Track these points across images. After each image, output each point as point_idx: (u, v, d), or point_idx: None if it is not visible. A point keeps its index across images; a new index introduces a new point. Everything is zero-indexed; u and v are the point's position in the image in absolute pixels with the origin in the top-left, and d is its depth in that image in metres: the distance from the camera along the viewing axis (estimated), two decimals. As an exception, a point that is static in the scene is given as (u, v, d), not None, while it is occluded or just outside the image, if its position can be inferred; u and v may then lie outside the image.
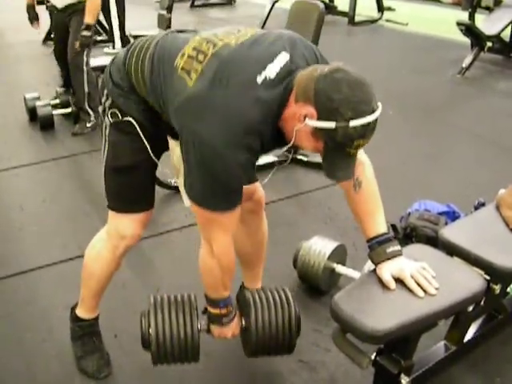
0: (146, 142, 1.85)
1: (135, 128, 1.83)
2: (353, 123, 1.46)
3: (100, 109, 1.94)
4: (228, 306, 1.95)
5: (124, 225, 1.99)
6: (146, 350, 2.01)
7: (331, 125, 1.47)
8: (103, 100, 1.90)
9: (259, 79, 1.56)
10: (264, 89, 1.56)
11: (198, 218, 1.75)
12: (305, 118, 1.52)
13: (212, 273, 1.85)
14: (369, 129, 1.50)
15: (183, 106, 1.61)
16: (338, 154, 1.55)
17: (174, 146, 1.89)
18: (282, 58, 1.60)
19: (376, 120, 1.51)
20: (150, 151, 1.87)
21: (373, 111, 1.50)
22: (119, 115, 1.85)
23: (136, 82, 1.81)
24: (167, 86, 1.69)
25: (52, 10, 4.78)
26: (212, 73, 1.57)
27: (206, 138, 1.55)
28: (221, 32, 1.71)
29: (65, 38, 4.76)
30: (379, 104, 1.53)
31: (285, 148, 1.73)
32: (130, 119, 1.83)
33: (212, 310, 1.97)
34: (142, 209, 2.00)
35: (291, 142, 1.63)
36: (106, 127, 1.92)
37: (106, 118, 1.89)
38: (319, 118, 1.49)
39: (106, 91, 1.89)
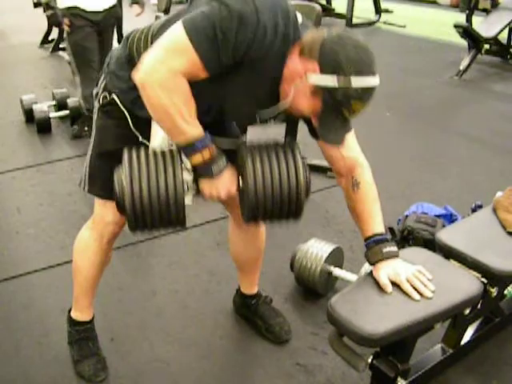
0: (127, 115, 1.82)
1: (119, 111, 1.82)
2: (354, 81, 1.50)
3: (94, 91, 1.94)
4: (207, 145, 1.64)
5: (108, 211, 1.97)
6: (122, 213, 1.70)
7: (333, 80, 1.50)
8: (100, 82, 1.91)
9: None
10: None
11: (160, 42, 1.59)
12: (306, 73, 1.55)
13: (162, 104, 1.56)
14: (367, 92, 1.54)
15: None
16: (334, 114, 1.58)
17: (157, 129, 1.79)
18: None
19: (374, 88, 1.55)
20: (132, 126, 1.84)
21: (373, 74, 1.54)
22: (107, 96, 1.85)
23: (137, 43, 1.79)
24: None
25: (86, 19, 4.26)
26: None
27: None
28: None
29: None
30: (377, 75, 1.57)
31: (281, 106, 1.69)
32: (114, 97, 1.83)
33: (193, 159, 1.66)
34: None
35: (288, 100, 1.63)
36: (95, 112, 1.93)
37: (96, 101, 1.90)
38: (322, 73, 1.52)
39: (103, 73, 1.91)
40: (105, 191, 1.93)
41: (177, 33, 1.55)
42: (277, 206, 1.67)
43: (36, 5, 7.61)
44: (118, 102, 1.82)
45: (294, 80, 1.60)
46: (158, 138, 1.79)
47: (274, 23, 1.55)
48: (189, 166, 1.73)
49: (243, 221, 1.80)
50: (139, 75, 1.57)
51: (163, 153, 1.68)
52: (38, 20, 7.85)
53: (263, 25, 1.52)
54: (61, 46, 7.49)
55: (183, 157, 1.69)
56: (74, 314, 2.25)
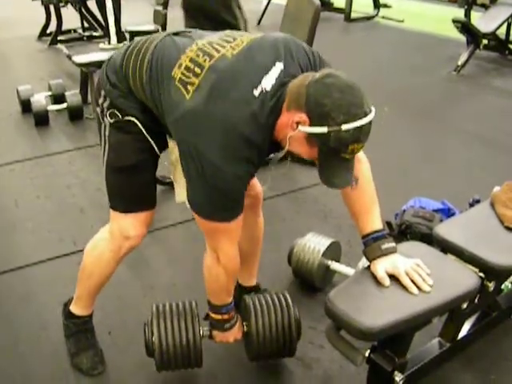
0: (149, 138, 1.86)
1: (137, 126, 1.83)
2: (345, 127, 1.47)
3: (98, 110, 1.92)
4: (230, 311, 2.00)
5: (127, 225, 1.98)
6: (151, 357, 2.06)
7: (323, 130, 1.48)
8: (100, 101, 1.89)
9: (256, 92, 1.57)
10: (260, 102, 1.57)
11: (201, 228, 1.77)
12: (297, 124, 1.53)
13: (218, 280, 1.88)
14: (362, 132, 1.50)
15: (181, 120, 1.62)
16: (333, 159, 1.56)
17: (173, 145, 1.88)
18: (277, 70, 1.62)
19: (370, 123, 1.52)
20: (154, 145, 1.88)
21: (365, 114, 1.50)
22: (119, 115, 1.84)
23: (134, 87, 1.81)
24: (165, 95, 1.69)
25: None
26: (209, 87, 1.59)
27: (205, 153, 1.57)
28: (216, 40, 1.72)
29: None
30: (372, 108, 1.53)
31: (281, 154, 1.72)
32: (132, 118, 1.83)
33: (214, 316, 2.02)
34: (144, 208, 1.99)
35: (285, 149, 1.63)
36: (105, 127, 1.90)
37: (105, 118, 1.87)
38: (311, 124, 1.50)
39: (103, 92, 1.87)
40: (126, 205, 1.97)
41: (206, 226, 1.75)
42: (274, 350, 2.09)
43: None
44: (138, 123, 1.83)
45: (287, 132, 1.59)
46: (174, 157, 1.94)
47: (247, 138, 1.58)
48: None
49: (248, 359, 2.18)
50: (222, 262, 1.84)
51: (184, 305, 2.10)
52: (37, 13, 7.83)
53: (228, 170, 1.59)
54: (58, 38, 7.49)
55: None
56: (74, 310, 2.24)
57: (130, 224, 1.97)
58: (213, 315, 2.02)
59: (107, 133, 1.90)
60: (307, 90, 1.51)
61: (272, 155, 1.77)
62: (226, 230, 1.74)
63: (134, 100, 1.82)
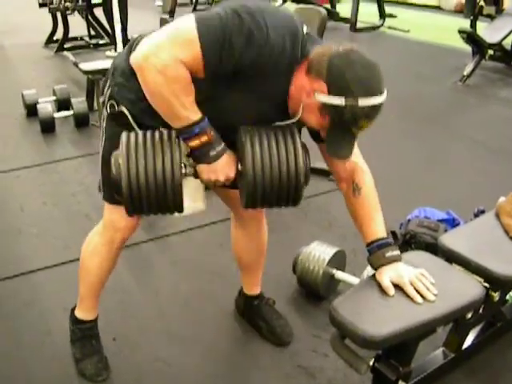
0: (137, 129, 1.79)
1: (129, 120, 1.81)
2: (362, 102, 1.52)
3: (101, 99, 1.95)
4: (206, 130, 1.64)
5: (118, 216, 1.97)
6: (119, 196, 1.70)
7: (341, 102, 1.52)
8: (105, 90, 1.91)
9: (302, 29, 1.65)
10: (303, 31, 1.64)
11: (167, 29, 1.59)
12: (314, 92, 1.56)
13: (160, 90, 1.57)
14: (375, 110, 1.56)
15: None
16: (342, 131, 1.60)
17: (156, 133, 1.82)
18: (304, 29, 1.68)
19: (382, 104, 1.57)
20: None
21: (381, 93, 1.56)
22: (115, 106, 1.84)
23: None
24: None
25: None
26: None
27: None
28: None
29: None
30: (385, 89, 1.58)
31: (291, 121, 1.72)
32: (123, 109, 1.82)
33: (191, 143, 1.66)
34: None
35: (297, 116, 1.66)
36: (104, 119, 1.93)
37: (105, 109, 1.89)
38: (329, 93, 1.54)
39: (108, 81, 1.90)
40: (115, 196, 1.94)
41: (187, 24, 1.56)
42: (275, 189, 1.66)
43: (41, 5, 7.64)
44: (127, 113, 1.81)
45: (301, 98, 1.62)
46: None
47: (282, 44, 1.58)
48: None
49: (242, 207, 1.78)
50: (138, 58, 1.56)
51: (161, 134, 1.68)
52: (43, 20, 7.87)
53: (271, 46, 1.55)
54: (65, 45, 7.53)
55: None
56: (78, 314, 2.25)
57: (121, 215, 1.92)
58: (189, 143, 1.66)
59: (104, 124, 1.92)
60: (330, 59, 1.55)
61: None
62: (192, 50, 1.54)
63: (130, 87, 1.79)
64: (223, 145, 1.69)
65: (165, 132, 1.68)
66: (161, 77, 1.53)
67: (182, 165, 1.68)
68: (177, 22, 1.61)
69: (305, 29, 1.68)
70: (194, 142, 1.65)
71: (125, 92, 1.82)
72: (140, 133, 1.70)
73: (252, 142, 1.65)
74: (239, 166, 1.71)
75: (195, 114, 1.62)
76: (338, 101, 1.52)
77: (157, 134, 1.68)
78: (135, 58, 1.58)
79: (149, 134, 1.69)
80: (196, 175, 1.73)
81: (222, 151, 1.69)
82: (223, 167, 1.71)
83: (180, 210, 1.72)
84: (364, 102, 1.52)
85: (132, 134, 1.69)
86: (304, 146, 1.69)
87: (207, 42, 1.53)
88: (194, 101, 1.61)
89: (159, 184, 1.62)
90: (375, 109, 1.56)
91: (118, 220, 1.98)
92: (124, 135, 1.69)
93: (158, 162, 1.62)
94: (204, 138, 1.64)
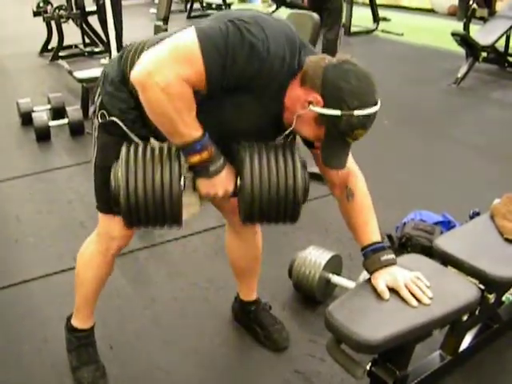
0: (133, 137, 1.80)
1: (121, 128, 1.81)
2: (357, 113, 1.54)
3: (91, 109, 1.94)
4: (207, 146, 1.64)
5: (113, 225, 1.97)
6: (117, 210, 1.70)
7: (337, 113, 1.54)
8: (96, 99, 1.91)
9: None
10: (298, 40, 1.66)
11: (168, 44, 1.57)
12: (309, 104, 1.58)
13: (163, 108, 1.56)
14: (370, 119, 1.58)
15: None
16: (337, 142, 1.63)
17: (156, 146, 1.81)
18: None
19: (376, 112, 1.60)
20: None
21: (375, 103, 1.59)
22: (106, 116, 1.84)
23: (130, 65, 1.75)
24: None
25: None
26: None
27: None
28: None
29: None
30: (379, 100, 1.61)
31: (285, 133, 1.73)
32: (115, 119, 1.82)
33: (191, 159, 1.65)
34: None
35: (291, 127, 1.67)
36: (95, 129, 1.92)
37: (96, 119, 1.89)
38: (325, 106, 1.56)
39: (99, 89, 1.90)
40: (109, 205, 1.94)
41: (188, 40, 1.55)
42: (273, 206, 1.67)
43: (35, 14, 7.65)
44: (119, 122, 1.81)
45: (296, 109, 1.63)
46: None
47: (282, 55, 1.59)
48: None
49: (240, 221, 1.79)
50: (139, 75, 1.54)
51: (161, 148, 1.68)
52: (38, 29, 7.88)
53: (272, 57, 1.57)
54: (60, 54, 7.53)
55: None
56: (75, 322, 2.25)
57: (116, 224, 1.95)
58: (190, 159, 1.65)
59: (96, 133, 1.92)
60: (325, 71, 1.57)
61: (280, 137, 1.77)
62: (195, 67, 1.54)
63: (121, 97, 1.80)
64: (223, 159, 1.70)
65: (165, 146, 1.69)
66: (163, 95, 1.52)
67: (182, 178, 1.68)
68: (177, 36, 1.59)
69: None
70: (195, 158, 1.64)
71: (115, 101, 1.83)
72: (140, 146, 1.70)
73: (251, 158, 1.66)
74: (238, 181, 1.72)
75: (197, 131, 1.62)
76: (334, 113, 1.55)
77: (157, 147, 1.70)
78: (136, 75, 1.55)
79: (149, 147, 1.70)
80: (195, 188, 1.75)
81: (221, 166, 1.70)
82: (222, 182, 1.71)
83: (178, 223, 1.72)
84: (359, 113, 1.54)
85: (132, 147, 1.69)
86: (303, 164, 1.70)
87: (210, 58, 1.53)
88: (195, 117, 1.61)
89: (157, 197, 1.62)
90: (370, 118, 1.59)
91: (113, 229, 1.98)
92: (124, 148, 1.69)
93: (157, 176, 1.62)
94: (204, 155, 1.64)
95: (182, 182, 1.67)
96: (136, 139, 1.80)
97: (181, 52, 1.54)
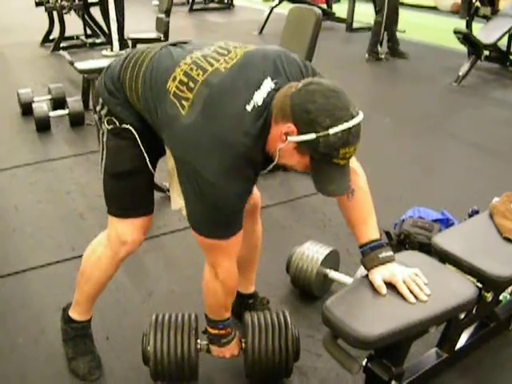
0: (143, 150, 1.86)
1: (133, 134, 1.84)
2: (332, 130, 1.46)
3: (96, 116, 1.94)
4: (227, 327, 2.01)
5: (124, 230, 1.98)
6: (147, 366, 2.08)
7: (312, 136, 1.48)
8: (98, 108, 1.90)
9: (248, 108, 1.58)
10: (253, 117, 1.58)
11: (199, 245, 1.77)
12: (286, 136, 1.53)
13: (216, 296, 1.88)
14: (351, 135, 1.49)
15: (177, 136, 1.64)
16: (326, 166, 1.55)
17: (170, 153, 1.88)
18: (268, 84, 1.63)
19: (358, 126, 1.51)
20: (147, 157, 1.88)
21: (352, 117, 1.49)
22: (117, 123, 1.85)
23: (130, 98, 1.82)
24: (161, 108, 1.70)
25: None
26: (202, 103, 1.59)
27: (202, 172, 1.57)
28: (210, 53, 1.72)
29: None
30: (359, 111, 1.53)
31: (270, 166, 1.72)
32: (129, 127, 1.84)
33: (211, 331, 2.02)
34: (141, 214, 1.99)
35: (275, 161, 1.65)
36: (103, 134, 1.91)
37: (103, 125, 1.89)
38: (299, 133, 1.50)
39: (100, 100, 1.89)
40: (123, 210, 1.97)
41: (204, 243, 1.75)
42: (270, 365, 2.08)
43: (38, 4, 7.63)
44: (134, 132, 1.84)
45: (277, 144, 1.59)
46: (171, 164, 1.92)
47: (243, 158, 1.60)
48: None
49: (245, 375, 2.15)
50: (220, 278, 1.83)
51: (183, 317, 2.10)
52: (40, 19, 7.86)
53: (226, 188, 1.60)
54: (61, 44, 7.51)
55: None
56: (73, 314, 2.24)
57: (127, 229, 1.98)
58: (210, 329, 2.02)
59: (105, 138, 1.91)
60: (291, 99, 1.51)
61: (265, 170, 1.77)
62: (223, 246, 1.74)
63: (130, 109, 1.84)
64: (233, 334, 2.06)
65: (186, 315, 2.12)
66: (225, 293, 1.89)
67: (198, 341, 2.07)
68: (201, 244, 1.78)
69: (268, 84, 1.63)
70: (214, 331, 2.02)
71: (127, 114, 1.85)
72: (167, 315, 2.11)
73: (253, 328, 2.09)
74: (243, 343, 2.11)
75: (228, 314, 1.98)
76: (309, 137, 1.48)
77: (180, 316, 2.11)
78: (215, 278, 1.84)
79: (174, 316, 2.11)
80: (208, 350, 2.10)
81: (231, 339, 2.05)
82: (230, 349, 2.08)
83: (195, 379, 2.11)
84: (334, 130, 1.46)
85: (160, 315, 2.11)
86: (294, 336, 2.10)
87: (224, 230, 1.71)
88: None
89: (179, 363, 2.03)
90: (350, 134, 1.49)
91: (124, 233, 1.99)
92: (153, 317, 2.11)
93: (179, 346, 2.03)
94: (222, 332, 2.01)
95: (198, 346, 2.07)
96: (143, 148, 1.87)
97: (211, 253, 1.82)
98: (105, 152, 1.93)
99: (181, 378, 2.08)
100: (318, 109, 1.47)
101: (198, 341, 2.07)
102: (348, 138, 1.48)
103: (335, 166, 1.54)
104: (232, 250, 1.78)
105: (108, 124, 1.87)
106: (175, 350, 2.02)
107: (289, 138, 1.53)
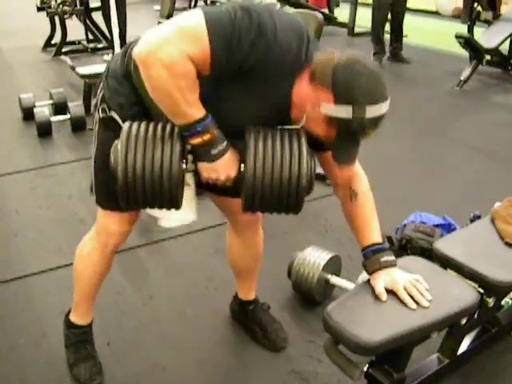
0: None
1: (119, 124, 1.78)
2: (369, 111, 1.51)
3: (93, 101, 1.95)
4: (209, 128, 1.59)
5: (111, 221, 1.98)
6: (115, 184, 1.65)
7: (348, 114, 1.50)
8: (98, 92, 1.91)
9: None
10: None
11: (173, 23, 1.53)
12: (320, 102, 1.54)
13: (165, 86, 1.51)
14: (380, 117, 1.56)
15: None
16: (348, 140, 1.60)
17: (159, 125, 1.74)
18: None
19: (387, 109, 1.58)
20: None
21: (385, 100, 1.56)
22: (107, 110, 1.84)
23: (134, 67, 1.73)
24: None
25: None
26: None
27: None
28: None
29: None
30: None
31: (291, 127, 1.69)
32: (114, 115, 1.82)
33: (193, 141, 1.61)
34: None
35: (300, 124, 1.66)
36: (95, 123, 1.92)
37: (97, 113, 1.89)
38: (336, 104, 1.52)
39: (102, 84, 1.90)
40: (108, 201, 1.93)
41: (195, 19, 1.50)
42: (276, 192, 1.60)
43: (39, 9, 7.63)
44: (118, 119, 1.80)
45: (305, 107, 1.60)
46: None
47: (289, 45, 1.56)
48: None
49: (242, 209, 1.71)
50: (142, 51, 1.49)
51: (164, 127, 1.63)
52: (42, 24, 7.87)
53: (278, 46, 1.53)
54: (63, 49, 7.52)
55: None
56: (73, 318, 2.25)
57: (114, 221, 1.96)
58: (191, 141, 1.61)
59: (97, 127, 1.91)
60: (335, 71, 1.52)
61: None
62: (200, 46, 1.49)
63: (122, 92, 1.80)
64: (226, 143, 1.64)
65: (168, 125, 1.64)
66: (167, 72, 1.47)
67: (184, 160, 1.65)
68: (184, 16, 1.55)
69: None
70: (196, 140, 1.60)
71: (116, 96, 1.82)
72: (143, 123, 1.65)
73: (256, 142, 1.60)
74: (242, 167, 1.66)
75: (199, 112, 1.57)
76: (345, 111, 1.51)
77: (159, 125, 1.64)
78: (139, 51, 1.50)
79: (151, 125, 1.64)
80: (196, 172, 1.70)
81: (224, 150, 1.64)
82: (224, 166, 1.66)
83: (176, 205, 1.67)
84: (370, 111, 1.51)
85: (134, 124, 1.64)
86: (310, 153, 1.64)
87: (216, 38, 1.49)
88: (198, 98, 1.57)
89: (156, 175, 1.57)
90: (381, 116, 1.56)
91: (111, 225, 1.98)
92: (126, 124, 1.65)
93: (157, 153, 1.57)
94: (206, 137, 1.59)
95: (183, 165, 1.64)
96: (143, 122, 1.75)
97: (186, 30, 1.51)
98: (96, 142, 1.93)
99: (158, 198, 1.63)
100: (361, 87, 1.50)
101: (185, 155, 1.66)
102: (377, 121, 1.56)
103: (355, 141, 1.63)
104: (195, 47, 1.50)
105: (101, 112, 1.85)
106: (152, 161, 1.57)
107: (323, 106, 1.53)
